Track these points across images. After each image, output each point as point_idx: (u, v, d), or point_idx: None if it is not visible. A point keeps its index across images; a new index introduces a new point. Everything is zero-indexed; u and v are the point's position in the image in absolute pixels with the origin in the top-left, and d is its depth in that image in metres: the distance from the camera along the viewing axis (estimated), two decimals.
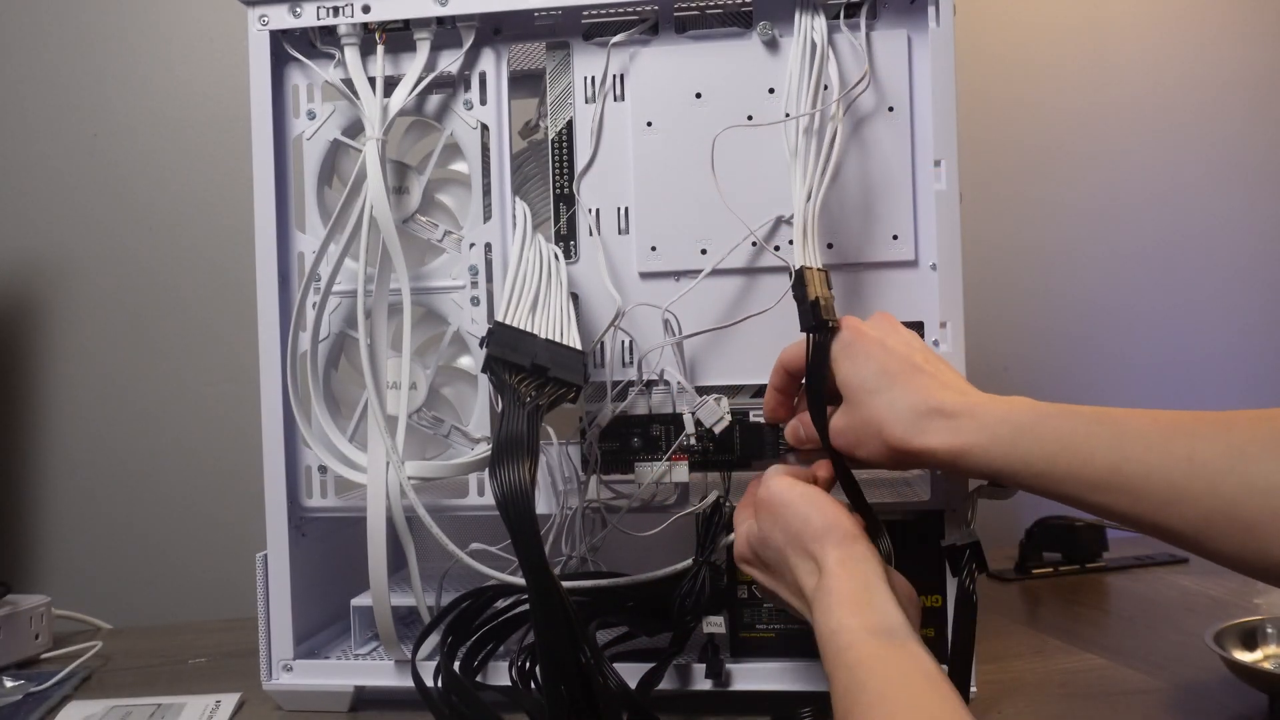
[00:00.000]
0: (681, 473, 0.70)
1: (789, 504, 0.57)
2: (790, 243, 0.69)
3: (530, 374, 0.63)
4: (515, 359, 0.63)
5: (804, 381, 0.62)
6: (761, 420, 0.69)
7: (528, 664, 0.69)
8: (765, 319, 0.69)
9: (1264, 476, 0.46)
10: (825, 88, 0.68)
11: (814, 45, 0.68)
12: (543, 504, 0.71)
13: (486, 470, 0.70)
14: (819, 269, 0.63)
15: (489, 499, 0.72)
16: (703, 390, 0.70)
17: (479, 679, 0.70)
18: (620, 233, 0.72)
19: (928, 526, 0.68)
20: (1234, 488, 0.47)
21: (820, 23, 0.68)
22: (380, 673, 0.74)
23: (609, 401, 0.71)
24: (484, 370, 0.65)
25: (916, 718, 0.44)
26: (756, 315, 0.69)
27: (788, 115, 0.67)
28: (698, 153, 0.69)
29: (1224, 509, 0.47)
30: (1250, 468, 0.47)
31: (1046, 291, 1.20)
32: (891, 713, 0.45)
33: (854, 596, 0.51)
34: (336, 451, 0.72)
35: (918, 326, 0.69)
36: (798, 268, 0.63)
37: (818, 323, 0.61)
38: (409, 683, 0.69)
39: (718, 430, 0.69)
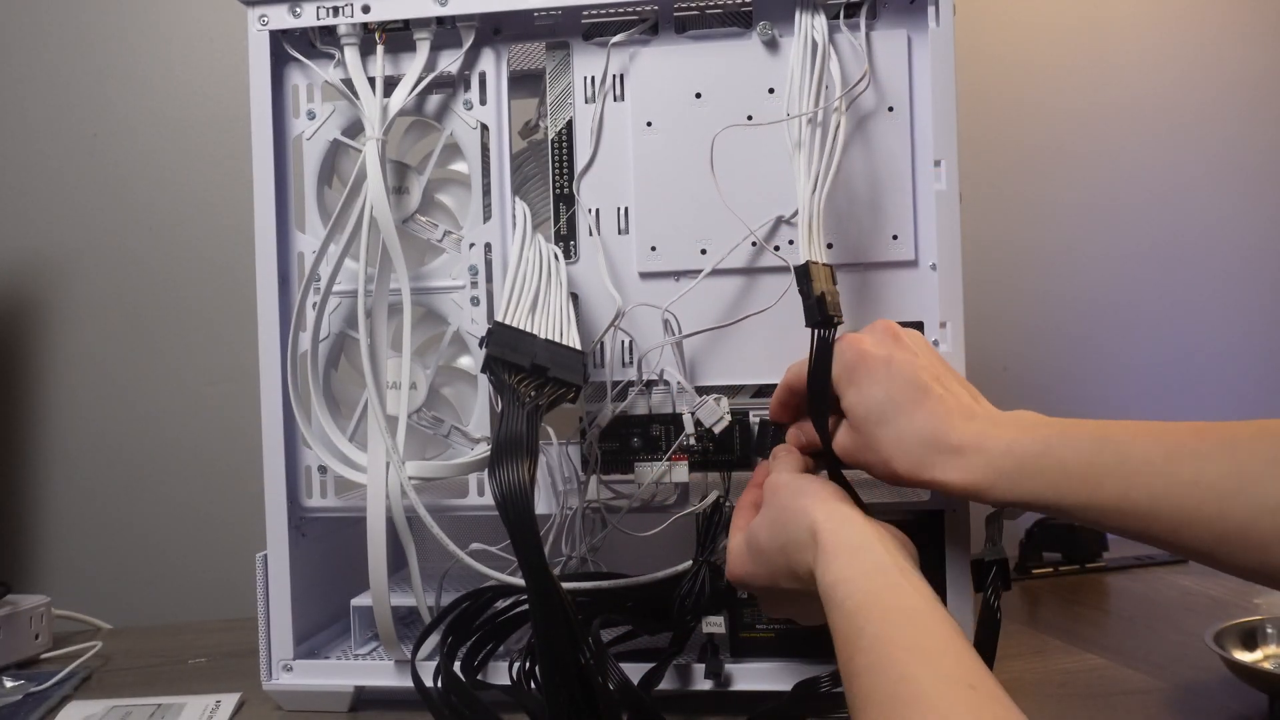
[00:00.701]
0: (681, 473, 0.70)
1: (786, 484, 0.59)
2: (790, 243, 0.69)
3: (530, 374, 0.63)
4: (515, 359, 0.63)
5: (807, 381, 0.62)
6: (764, 419, 0.69)
7: (528, 663, 0.69)
8: (765, 319, 0.69)
9: (1273, 495, 0.47)
10: (826, 87, 0.68)
11: (815, 43, 0.68)
12: (542, 504, 0.71)
13: (486, 470, 0.70)
14: (824, 264, 0.63)
15: (489, 499, 0.72)
16: (703, 390, 0.70)
17: (479, 679, 0.70)
18: (620, 233, 0.72)
19: (927, 527, 0.68)
20: (1243, 509, 0.47)
21: (821, 21, 0.68)
22: (380, 673, 0.74)
23: (609, 401, 0.71)
24: (483, 370, 0.65)
25: (912, 654, 0.44)
26: (756, 314, 0.69)
27: (789, 115, 0.67)
28: (698, 153, 0.69)
29: (1236, 530, 0.48)
30: (1258, 489, 0.47)
31: (1046, 291, 1.20)
32: (887, 652, 0.45)
33: (847, 546, 0.52)
34: (336, 451, 0.72)
35: (918, 326, 0.68)
36: (803, 262, 0.63)
37: (823, 318, 0.60)
38: (409, 683, 0.69)
39: (718, 430, 0.69)
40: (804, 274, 0.62)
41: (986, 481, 0.54)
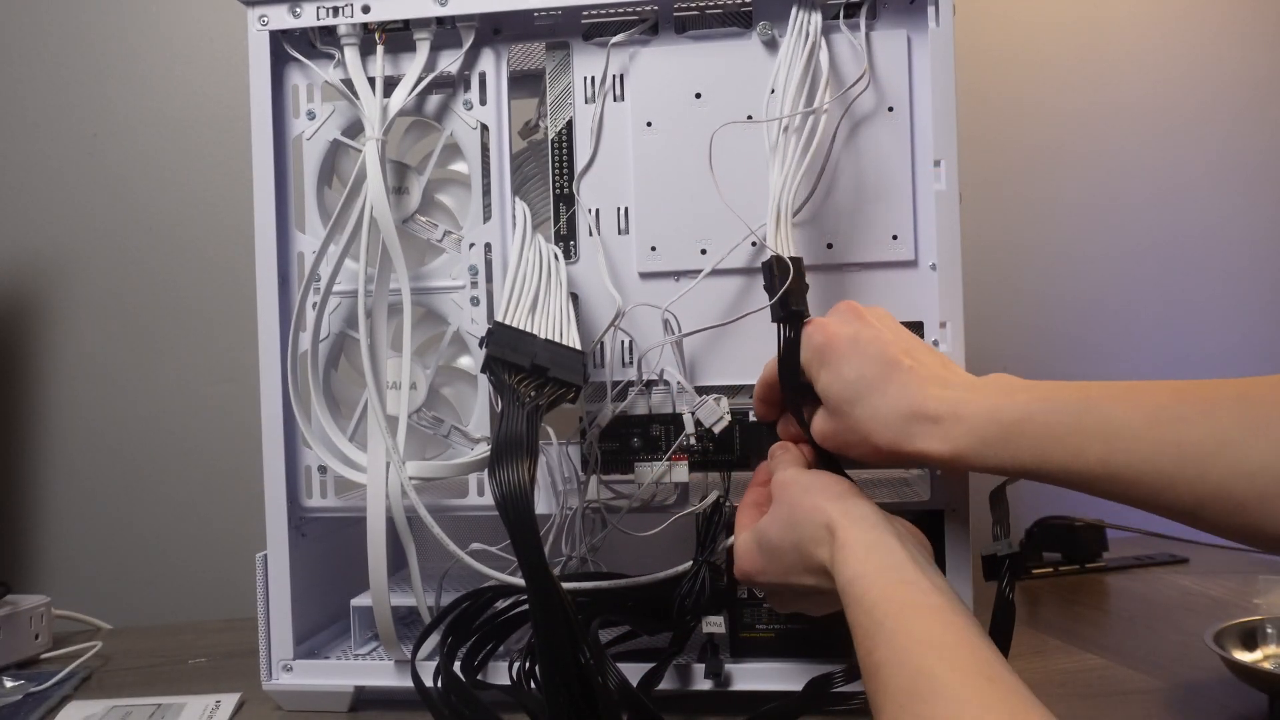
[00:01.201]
0: (681, 473, 0.70)
1: (795, 480, 0.59)
2: None
3: (530, 374, 0.63)
4: (515, 359, 0.63)
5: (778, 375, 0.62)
6: (752, 420, 0.70)
7: (528, 663, 0.69)
8: (764, 319, 0.69)
9: (1250, 459, 0.47)
10: (825, 87, 0.68)
11: (807, 36, 0.68)
12: (542, 504, 0.71)
13: (486, 470, 0.70)
14: (791, 257, 0.62)
15: (489, 499, 0.72)
16: (702, 390, 0.70)
17: (479, 679, 0.70)
18: (620, 233, 0.72)
19: (928, 527, 0.68)
20: (1222, 472, 0.48)
21: (816, 18, 0.68)
22: (380, 673, 0.74)
23: (609, 401, 0.71)
24: (483, 370, 0.65)
25: (931, 648, 0.45)
26: (755, 313, 0.69)
27: (785, 116, 0.67)
28: (697, 153, 0.69)
29: (1215, 492, 0.48)
30: (1236, 452, 0.48)
31: (1046, 292, 1.20)
32: (905, 646, 0.45)
33: (864, 542, 0.52)
34: (336, 451, 0.72)
35: (918, 327, 0.69)
36: (767, 257, 0.62)
37: (786, 314, 0.60)
38: (409, 683, 0.69)
39: (717, 430, 0.69)
40: (767, 269, 0.62)
41: (970, 449, 0.54)
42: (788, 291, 0.61)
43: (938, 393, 0.56)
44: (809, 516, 0.56)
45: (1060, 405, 0.53)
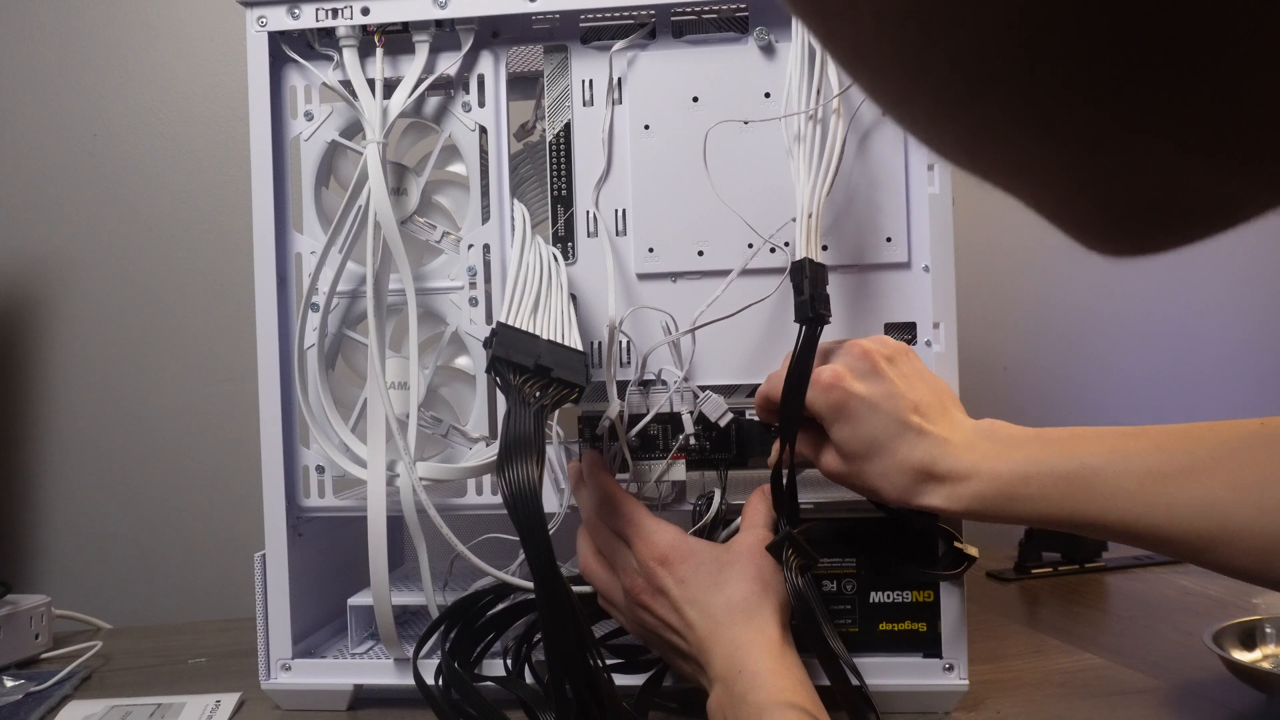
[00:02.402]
0: (679, 471, 0.70)
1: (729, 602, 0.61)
2: (786, 244, 0.69)
3: (534, 374, 0.63)
4: (519, 360, 0.63)
5: (786, 374, 0.62)
6: (746, 421, 0.70)
7: (522, 652, 0.69)
8: (762, 320, 0.69)
9: (1233, 521, 0.54)
10: (818, 91, 0.68)
11: (814, 48, 0.68)
12: (545, 503, 0.71)
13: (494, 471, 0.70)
14: (817, 263, 0.63)
15: (487, 498, 0.72)
16: (701, 390, 0.70)
17: (477, 673, 0.70)
18: (618, 234, 0.72)
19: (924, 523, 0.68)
20: (1211, 532, 0.54)
21: None
22: (379, 671, 0.74)
23: (612, 401, 0.71)
24: (488, 370, 0.65)
25: None
26: (754, 305, 0.69)
27: (786, 112, 0.67)
28: (695, 156, 0.69)
29: (1205, 550, 0.55)
30: (1222, 515, 0.54)
31: (1043, 293, 1.20)
32: None
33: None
34: (338, 451, 0.72)
35: (911, 328, 0.69)
36: (799, 259, 0.63)
37: (814, 315, 0.61)
38: (408, 681, 0.69)
39: (722, 423, 0.69)
40: (798, 270, 0.62)
41: (974, 507, 0.60)
42: (815, 295, 0.61)
43: (942, 454, 0.60)
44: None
45: (1054, 466, 0.58)
